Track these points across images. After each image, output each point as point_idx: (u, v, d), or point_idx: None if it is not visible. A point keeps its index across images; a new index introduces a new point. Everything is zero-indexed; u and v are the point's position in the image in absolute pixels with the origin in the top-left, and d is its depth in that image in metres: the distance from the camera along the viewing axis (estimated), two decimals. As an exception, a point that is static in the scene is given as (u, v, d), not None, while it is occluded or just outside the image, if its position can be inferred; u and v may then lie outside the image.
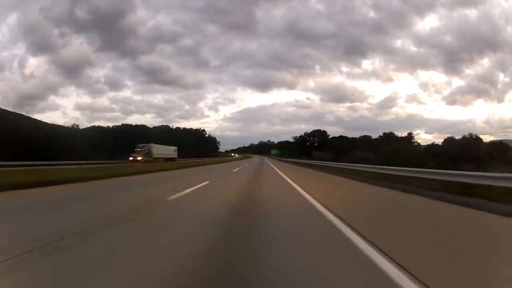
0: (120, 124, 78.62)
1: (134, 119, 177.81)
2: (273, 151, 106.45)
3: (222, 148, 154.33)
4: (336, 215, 4.68)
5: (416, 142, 66.18)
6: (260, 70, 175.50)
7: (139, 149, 39.80)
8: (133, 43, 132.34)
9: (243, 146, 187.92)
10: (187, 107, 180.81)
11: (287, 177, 13.91)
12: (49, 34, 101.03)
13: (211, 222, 4.45)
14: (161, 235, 3.69)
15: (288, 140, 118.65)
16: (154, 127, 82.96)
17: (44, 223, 4.31)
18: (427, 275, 2.29)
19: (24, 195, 7.18)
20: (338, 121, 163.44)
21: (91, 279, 2.28)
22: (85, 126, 74.71)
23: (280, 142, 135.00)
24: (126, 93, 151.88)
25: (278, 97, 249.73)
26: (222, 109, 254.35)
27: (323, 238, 3.60)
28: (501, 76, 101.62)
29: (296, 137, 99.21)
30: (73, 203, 6.32)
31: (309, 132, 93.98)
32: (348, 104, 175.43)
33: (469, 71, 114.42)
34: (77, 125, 68.65)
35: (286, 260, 2.70)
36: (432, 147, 56.78)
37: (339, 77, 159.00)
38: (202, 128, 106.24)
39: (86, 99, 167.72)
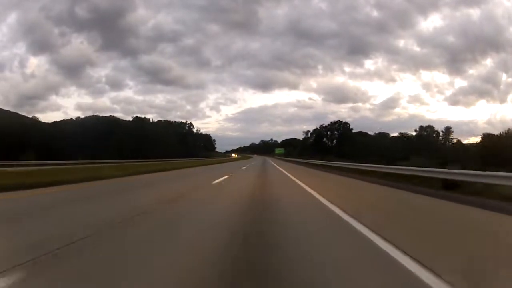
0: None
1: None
2: (278, 150, 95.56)
3: (223, 148, 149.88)
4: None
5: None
6: (262, 70, 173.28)
7: None
8: (134, 43, 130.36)
9: (244, 146, 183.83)
10: (188, 107, 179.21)
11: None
12: (49, 33, 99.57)
13: None
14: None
15: (295, 137, 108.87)
16: (124, 120, 70.41)
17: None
18: None
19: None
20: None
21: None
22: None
23: (285, 140, 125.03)
24: (127, 93, 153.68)
25: (280, 97, 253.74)
26: (223, 110, 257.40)
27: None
28: (504, 77, 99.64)
29: (308, 131, 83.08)
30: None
31: (326, 125, 77.97)
32: (351, 105, 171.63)
33: (472, 71, 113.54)
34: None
35: None
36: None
37: (342, 77, 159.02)
38: (189, 122, 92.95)
39: (87, 99, 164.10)
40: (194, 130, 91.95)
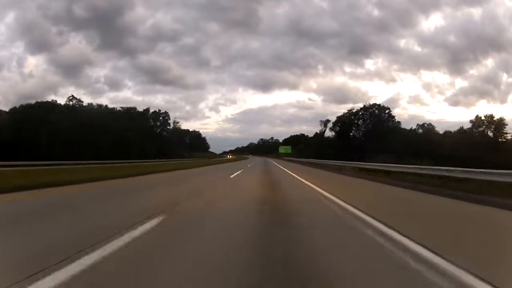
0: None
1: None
2: (283, 149, 78.52)
3: (221, 149, 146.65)
4: None
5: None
6: (262, 70, 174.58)
7: None
8: (133, 42, 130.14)
9: (242, 147, 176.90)
10: (188, 108, 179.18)
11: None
12: (47, 32, 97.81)
13: None
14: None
15: (303, 133, 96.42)
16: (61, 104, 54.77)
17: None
18: None
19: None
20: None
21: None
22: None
23: (291, 137, 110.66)
24: (126, 93, 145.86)
25: (279, 97, 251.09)
26: (223, 110, 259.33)
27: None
28: (505, 77, 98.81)
29: (328, 121, 63.43)
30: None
31: (355, 110, 58.65)
32: (351, 105, 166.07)
33: (472, 71, 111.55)
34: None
35: None
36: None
37: (342, 77, 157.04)
38: (164, 111, 70.57)
39: (86, 99, 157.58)
40: (171, 123, 72.79)
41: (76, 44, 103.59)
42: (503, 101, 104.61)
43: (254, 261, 2.68)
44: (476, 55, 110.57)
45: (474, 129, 46.02)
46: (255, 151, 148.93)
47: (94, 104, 59.36)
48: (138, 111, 61.18)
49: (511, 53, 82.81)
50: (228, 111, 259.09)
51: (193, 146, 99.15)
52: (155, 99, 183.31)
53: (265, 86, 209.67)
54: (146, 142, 53.34)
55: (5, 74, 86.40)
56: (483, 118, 47.60)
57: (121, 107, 62.23)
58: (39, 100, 54.71)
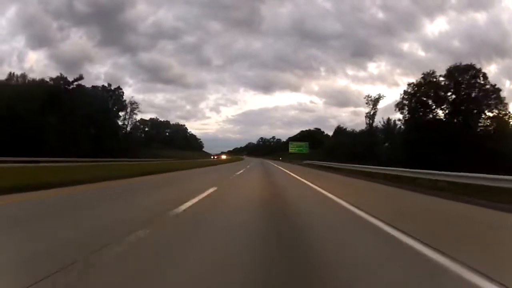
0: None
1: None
2: (294, 147, 52.80)
3: (219, 149, 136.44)
4: None
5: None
6: (264, 71, 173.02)
7: None
8: (134, 39, 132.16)
9: (240, 147, 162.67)
10: (188, 107, 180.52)
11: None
12: (48, 27, 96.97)
13: None
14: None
15: (310, 129, 77.32)
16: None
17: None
18: None
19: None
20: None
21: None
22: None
23: (300, 133, 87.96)
24: (127, 91, 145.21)
25: (281, 99, 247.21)
26: (223, 111, 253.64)
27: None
28: (507, 83, 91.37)
29: (379, 96, 41.89)
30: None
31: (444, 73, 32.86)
32: (352, 109, 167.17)
33: None
34: None
35: None
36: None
37: (344, 80, 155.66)
38: (121, 89, 50.03)
39: None
40: (137, 114, 53.48)
41: (77, 39, 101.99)
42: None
43: None
44: (479, 61, 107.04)
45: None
46: (254, 151, 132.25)
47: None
48: (65, 87, 39.18)
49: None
50: (229, 111, 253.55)
51: (178, 143, 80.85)
52: (155, 98, 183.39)
53: (266, 87, 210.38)
54: (80, 133, 34.35)
55: (5, 69, 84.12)
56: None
57: (32, 79, 40.46)
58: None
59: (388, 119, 36.94)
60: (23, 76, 41.17)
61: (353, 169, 18.61)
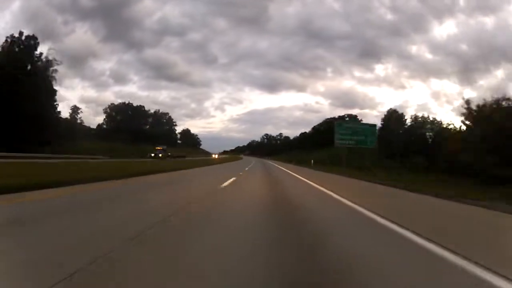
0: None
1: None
2: (347, 134, 21.61)
3: (222, 148, 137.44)
4: None
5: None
6: (270, 70, 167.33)
7: None
8: (139, 35, 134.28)
9: (243, 146, 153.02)
10: (193, 105, 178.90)
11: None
12: (52, 22, 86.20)
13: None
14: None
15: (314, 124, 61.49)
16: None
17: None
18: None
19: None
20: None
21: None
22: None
23: (315, 128, 69.23)
24: (131, 88, 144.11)
25: (286, 99, 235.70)
26: (228, 110, 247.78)
27: None
28: None
29: None
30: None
31: None
32: (358, 111, 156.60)
33: (482, 82, 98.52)
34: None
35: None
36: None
37: (351, 81, 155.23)
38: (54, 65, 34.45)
39: (91, 92, 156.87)
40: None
41: (82, 34, 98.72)
42: None
43: None
44: (487, 65, 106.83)
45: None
46: (257, 150, 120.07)
47: None
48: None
49: (524, 64, 78.34)
50: (234, 111, 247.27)
51: (167, 139, 66.76)
52: (160, 95, 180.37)
53: (272, 86, 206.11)
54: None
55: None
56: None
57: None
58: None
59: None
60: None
61: None
